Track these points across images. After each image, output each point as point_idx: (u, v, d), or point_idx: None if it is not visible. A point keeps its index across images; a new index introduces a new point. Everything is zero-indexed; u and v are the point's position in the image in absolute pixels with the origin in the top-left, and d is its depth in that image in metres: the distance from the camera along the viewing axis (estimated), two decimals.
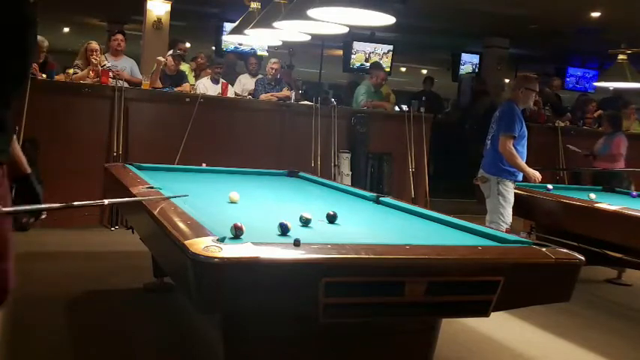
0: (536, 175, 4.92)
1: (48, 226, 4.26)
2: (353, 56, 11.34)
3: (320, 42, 11.71)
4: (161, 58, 6.86)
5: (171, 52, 7.39)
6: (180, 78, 7.16)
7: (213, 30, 10.98)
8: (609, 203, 4.64)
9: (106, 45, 7.56)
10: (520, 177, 4.95)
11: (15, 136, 2.17)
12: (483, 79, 11.21)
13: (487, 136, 5.16)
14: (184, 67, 7.65)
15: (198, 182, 4.22)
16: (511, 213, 4.86)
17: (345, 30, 3.92)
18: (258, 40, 6.40)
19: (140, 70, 7.59)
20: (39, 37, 6.49)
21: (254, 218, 2.80)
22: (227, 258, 1.98)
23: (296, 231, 2.54)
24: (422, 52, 14.70)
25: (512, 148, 4.80)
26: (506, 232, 3.84)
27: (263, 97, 7.36)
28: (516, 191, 5.32)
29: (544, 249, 2.53)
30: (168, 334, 3.63)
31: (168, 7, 9.41)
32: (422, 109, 7.72)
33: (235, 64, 9.57)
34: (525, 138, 4.95)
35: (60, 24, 13.83)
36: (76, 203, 2.25)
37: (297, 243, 2.16)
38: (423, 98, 8.98)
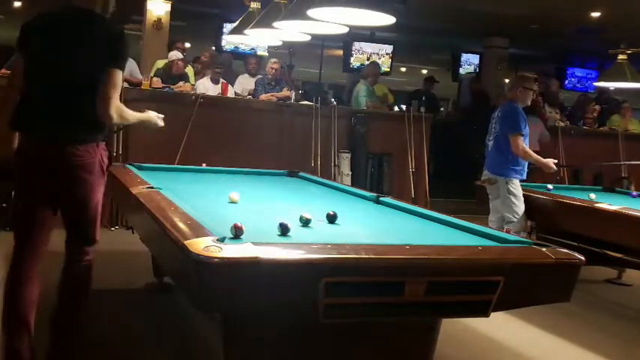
0: (550, 163, 5.05)
1: None
2: (354, 57, 11.33)
3: (320, 42, 11.71)
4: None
5: (176, 52, 7.39)
6: (181, 78, 7.17)
7: (213, 30, 10.98)
8: (609, 203, 4.64)
9: None
10: (525, 174, 5.01)
11: None
12: (480, 79, 11.21)
13: (488, 137, 5.17)
14: (188, 70, 7.65)
15: (198, 182, 4.22)
16: (524, 208, 4.93)
17: (345, 30, 3.92)
18: (258, 40, 6.41)
19: (140, 70, 7.59)
20: None
21: (254, 218, 2.80)
22: (227, 258, 1.98)
23: (296, 231, 2.54)
24: (422, 52, 14.70)
25: (525, 145, 4.88)
26: (506, 232, 3.84)
27: (263, 97, 7.36)
28: None
29: (544, 249, 2.53)
30: (169, 334, 3.63)
31: (168, 7, 9.41)
32: (422, 109, 7.72)
33: (231, 64, 9.57)
34: (528, 136, 4.99)
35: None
36: None
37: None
38: (423, 98, 8.99)
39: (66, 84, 2.79)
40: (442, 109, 12.21)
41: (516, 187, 4.95)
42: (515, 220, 4.86)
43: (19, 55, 2.90)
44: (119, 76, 2.82)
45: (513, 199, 4.91)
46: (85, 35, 2.83)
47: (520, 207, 4.91)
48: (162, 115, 3.28)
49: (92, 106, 2.76)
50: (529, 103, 5.27)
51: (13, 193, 2.97)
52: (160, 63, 7.54)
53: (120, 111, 2.85)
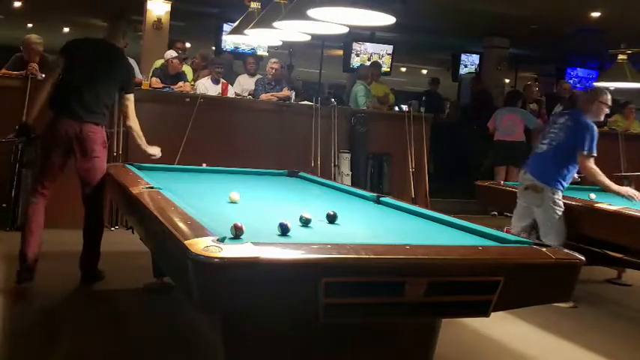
0: (631, 192, 4.63)
1: (48, 226, 4.27)
2: (359, 57, 11.32)
3: (320, 42, 11.71)
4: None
5: (171, 51, 7.39)
6: (180, 78, 7.17)
7: (213, 30, 10.99)
8: (609, 203, 4.64)
9: None
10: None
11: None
12: (481, 79, 11.22)
13: (542, 140, 4.85)
14: (186, 68, 7.65)
15: (198, 182, 4.23)
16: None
17: (345, 30, 3.92)
18: (258, 40, 6.40)
19: (140, 70, 7.59)
20: (33, 36, 6.48)
21: (254, 218, 2.80)
22: (227, 258, 1.98)
23: (296, 231, 2.54)
24: (422, 52, 14.71)
25: (596, 167, 4.57)
26: (506, 232, 3.83)
27: (263, 97, 7.36)
28: (517, 191, 5.31)
29: (544, 249, 2.53)
30: (168, 334, 3.63)
31: (168, 7, 9.41)
32: (422, 109, 7.72)
33: (232, 64, 9.57)
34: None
35: (60, 24, 13.84)
36: None
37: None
38: (423, 98, 9.00)
39: (91, 87, 4.23)
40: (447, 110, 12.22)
41: (561, 198, 4.67)
42: (553, 231, 4.58)
43: (60, 59, 4.29)
44: (132, 97, 4.51)
45: (558, 209, 4.61)
46: (110, 60, 4.38)
47: (562, 218, 4.64)
48: (159, 154, 4.61)
49: (104, 103, 4.29)
50: (601, 119, 4.92)
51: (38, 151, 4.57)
52: (158, 63, 7.54)
53: (137, 127, 4.51)
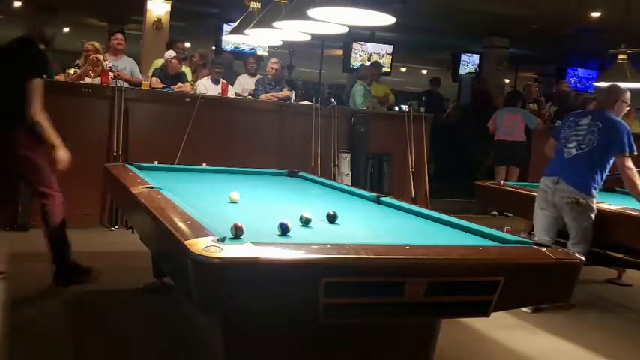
0: None
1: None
2: (360, 57, 11.32)
3: (320, 42, 11.72)
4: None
5: (170, 51, 7.39)
6: (179, 78, 7.17)
7: (213, 30, 11.00)
8: (609, 203, 4.64)
9: (106, 45, 7.54)
10: None
11: None
12: (483, 79, 11.22)
13: (567, 144, 4.50)
14: (185, 69, 7.65)
15: (199, 182, 4.22)
16: None
17: (345, 30, 3.92)
18: (258, 40, 6.40)
19: (140, 70, 7.60)
20: None
21: (254, 218, 2.80)
22: (227, 258, 1.97)
23: (296, 231, 2.54)
24: (422, 52, 14.72)
25: (635, 170, 4.26)
26: (506, 232, 3.83)
27: (263, 97, 7.37)
28: (517, 191, 5.30)
29: (544, 249, 2.53)
30: (169, 334, 3.63)
31: (168, 7, 9.42)
32: (422, 109, 7.73)
33: (232, 64, 9.57)
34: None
35: (60, 24, 13.84)
36: None
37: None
38: (423, 98, 9.00)
39: (5, 92, 4.17)
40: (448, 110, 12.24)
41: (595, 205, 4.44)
42: (584, 238, 4.40)
43: None
44: (37, 83, 4.10)
45: (593, 217, 4.38)
46: (16, 55, 4.27)
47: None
48: (66, 161, 4.17)
49: (23, 100, 4.07)
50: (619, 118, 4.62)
51: None
52: (158, 63, 7.55)
53: (42, 116, 4.11)
